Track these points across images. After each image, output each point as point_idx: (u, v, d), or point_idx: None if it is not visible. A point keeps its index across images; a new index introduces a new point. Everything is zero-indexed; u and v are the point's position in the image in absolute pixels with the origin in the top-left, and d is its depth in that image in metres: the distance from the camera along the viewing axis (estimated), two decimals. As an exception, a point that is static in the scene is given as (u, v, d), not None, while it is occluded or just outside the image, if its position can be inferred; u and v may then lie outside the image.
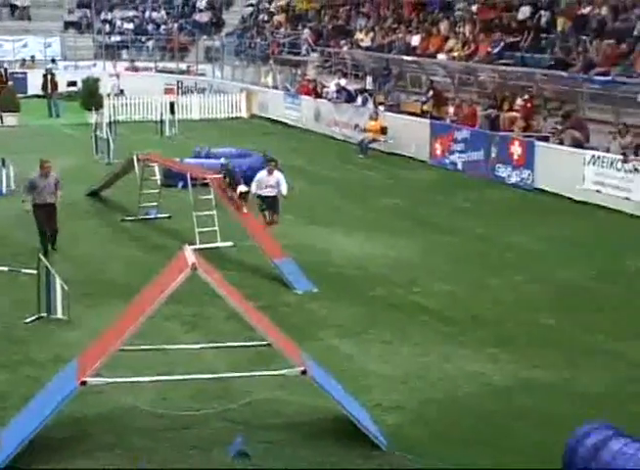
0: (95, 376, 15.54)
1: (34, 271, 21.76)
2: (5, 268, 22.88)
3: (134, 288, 19.36)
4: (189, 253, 16.48)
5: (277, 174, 24.70)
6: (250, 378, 17.04)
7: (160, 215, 30.17)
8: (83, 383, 15.40)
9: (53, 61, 63.88)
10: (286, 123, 52.85)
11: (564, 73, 39.01)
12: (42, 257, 21.72)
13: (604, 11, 41.79)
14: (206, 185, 27.90)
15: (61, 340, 19.68)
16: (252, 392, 17.21)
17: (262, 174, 24.85)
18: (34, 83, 60.87)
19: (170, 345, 18.91)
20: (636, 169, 31.54)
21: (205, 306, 20.32)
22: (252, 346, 17.12)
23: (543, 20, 44.46)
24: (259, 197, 24.98)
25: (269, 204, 24.82)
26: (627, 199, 31.93)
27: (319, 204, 34.17)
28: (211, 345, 18.67)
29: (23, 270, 22.39)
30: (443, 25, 49.79)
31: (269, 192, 24.47)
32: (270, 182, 24.19)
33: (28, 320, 21.38)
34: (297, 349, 16.77)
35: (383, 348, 20.26)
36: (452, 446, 15.89)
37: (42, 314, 21.62)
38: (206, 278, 16.28)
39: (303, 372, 15.77)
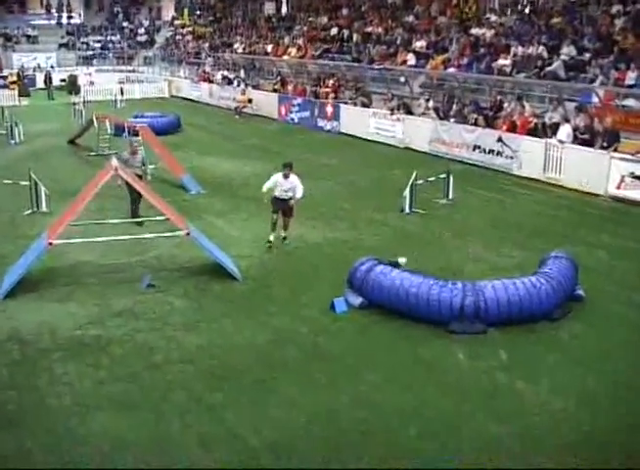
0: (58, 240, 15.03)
1: (28, 183, 21.05)
2: (10, 181, 21.91)
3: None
4: (114, 160, 15.77)
5: (293, 178, 17.61)
6: (157, 239, 16.52)
7: (110, 152, 28.97)
8: (50, 243, 14.81)
9: (52, 67, 62.07)
10: (192, 99, 51.84)
11: (356, 65, 38.92)
12: (32, 173, 20.97)
13: (380, 29, 41.66)
14: (137, 133, 27.05)
15: (44, 223, 18.75)
16: (158, 248, 16.74)
17: (278, 177, 17.57)
18: (40, 81, 58.86)
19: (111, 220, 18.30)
20: (398, 119, 31.34)
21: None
22: (157, 220, 16.55)
23: (345, 35, 44.17)
24: (274, 198, 17.66)
25: (281, 206, 17.66)
26: (393, 137, 31.70)
27: (209, 143, 33.52)
28: (134, 220, 18.02)
29: (22, 182, 21.37)
30: (286, 39, 49.17)
31: (284, 195, 17.52)
32: (284, 186, 17.38)
33: (26, 213, 20.81)
34: (185, 221, 16.16)
35: (241, 223, 19.90)
36: (280, 277, 15.89)
37: (34, 209, 21.04)
38: (125, 176, 15.66)
39: (187, 234, 15.33)
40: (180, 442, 9.62)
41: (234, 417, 10.19)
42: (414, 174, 20.43)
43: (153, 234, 16.50)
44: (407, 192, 20.49)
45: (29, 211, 20.85)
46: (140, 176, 19.92)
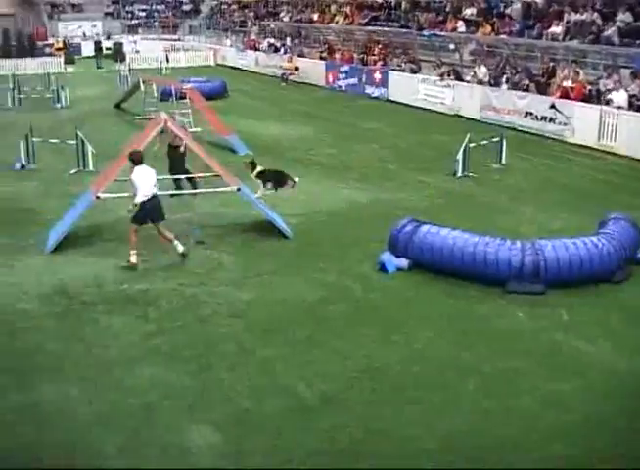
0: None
1: (74, 142, 21.08)
2: (57, 140, 21.74)
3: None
4: (164, 114, 15.48)
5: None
6: (205, 198, 16.41)
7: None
8: (97, 197, 14.55)
9: (108, 37, 61.76)
10: (238, 68, 51.67)
11: (404, 31, 38.43)
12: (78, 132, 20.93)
13: (428, -4, 41.24)
14: (184, 96, 26.93)
15: (89, 181, 18.42)
16: (205, 206, 16.53)
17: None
18: (87, 49, 60.38)
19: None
20: (448, 86, 30.87)
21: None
22: (207, 176, 16.18)
23: (393, 2, 43.51)
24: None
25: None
26: (442, 103, 31.24)
27: (255, 108, 33.30)
28: (181, 176, 17.66)
29: (68, 141, 21.27)
30: (333, 7, 48.62)
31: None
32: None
33: (72, 171, 20.74)
34: (236, 179, 15.78)
35: (291, 183, 19.59)
36: (329, 235, 15.64)
37: (80, 168, 21.00)
38: (175, 130, 15.41)
39: (238, 189, 15.05)
40: (230, 393, 9.34)
41: (285, 370, 9.91)
42: (467, 137, 19.97)
43: (201, 190, 16.28)
44: (460, 155, 20.02)
45: (75, 170, 20.76)
46: (177, 146, 18.21)
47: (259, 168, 17.49)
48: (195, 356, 10.27)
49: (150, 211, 13.71)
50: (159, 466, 8.02)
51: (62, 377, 9.83)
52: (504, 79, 29.14)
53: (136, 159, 13.72)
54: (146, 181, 13.59)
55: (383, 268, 13.24)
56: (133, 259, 13.66)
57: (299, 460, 8.08)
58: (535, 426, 8.71)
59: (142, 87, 30.17)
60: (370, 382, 9.60)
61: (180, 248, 13.94)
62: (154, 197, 13.73)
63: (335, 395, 9.32)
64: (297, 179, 17.55)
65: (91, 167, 20.82)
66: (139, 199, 13.56)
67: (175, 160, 17.74)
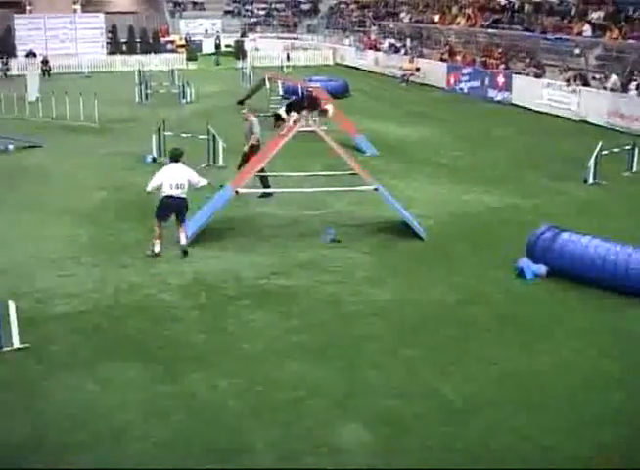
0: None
1: (206, 137, 21.56)
2: (188, 135, 22.10)
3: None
4: (305, 113, 15.72)
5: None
6: (337, 196, 16.70)
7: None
8: (236, 192, 14.83)
9: (243, 34, 62.13)
10: (356, 67, 51.52)
11: (528, 34, 37.96)
12: (210, 127, 21.28)
13: (554, -1, 40.54)
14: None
15: (221, 176, 18.68)
16: (338, 204, 16.69)
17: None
18: (207, 46, 61.28)
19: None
20: (574, 91, 30.32)
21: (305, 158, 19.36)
22: (344, 174, 16.29)
23: (516, 4, 42.99)
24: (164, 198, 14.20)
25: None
26: (569, 109, 30.63)
27: (377, 109, 33.31)
28: (315, 173, 17.90)
29: (199, 136, 21.76)
30: (454, 8, 48.24)
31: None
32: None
33: (202, 166, 20.73)
34: (372, 177, 15.89)
35: (418, 185, 19.70)
36: (462, 238, 15.56)
37: (210, 163, 21.40)
38: (314, 128, 15.55)
39: (376, 189, 15.16)
40: (377, 392, 9.39)
41: (428, 371, 9.93)
42: (599, 145, 19.59)
43: (334, 188, 16.44)
44: (592, 162, 19.67)
45: (205, 165, 21.01)
46: (252, 146, 18.70)
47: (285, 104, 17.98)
48: (340, 354, 10.37)
49: (166, 208, 14.24)
50: (311, 464, 8.10)
51: (209, 369, 10.03)
52: (634, 86, 28.49)
53: (172, 155, 14.84)
54: (167, 179, 14.22)
55: (521, 274, 13.13)
56: (156, 249, 14.20)
57: (449, 462, 8.08)
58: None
59: (267, 85, 30.45)
60: (515, 388, 9.54)
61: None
62: (175, 197, 14.21)
63: (480, 398, 9.29)
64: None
65: (221, 162, 21.18)
66: (149, 188, 14.44)
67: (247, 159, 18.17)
